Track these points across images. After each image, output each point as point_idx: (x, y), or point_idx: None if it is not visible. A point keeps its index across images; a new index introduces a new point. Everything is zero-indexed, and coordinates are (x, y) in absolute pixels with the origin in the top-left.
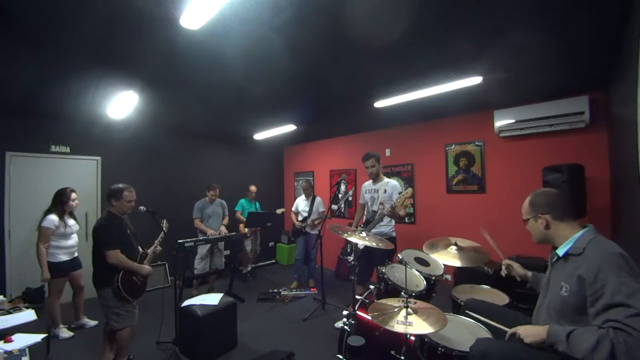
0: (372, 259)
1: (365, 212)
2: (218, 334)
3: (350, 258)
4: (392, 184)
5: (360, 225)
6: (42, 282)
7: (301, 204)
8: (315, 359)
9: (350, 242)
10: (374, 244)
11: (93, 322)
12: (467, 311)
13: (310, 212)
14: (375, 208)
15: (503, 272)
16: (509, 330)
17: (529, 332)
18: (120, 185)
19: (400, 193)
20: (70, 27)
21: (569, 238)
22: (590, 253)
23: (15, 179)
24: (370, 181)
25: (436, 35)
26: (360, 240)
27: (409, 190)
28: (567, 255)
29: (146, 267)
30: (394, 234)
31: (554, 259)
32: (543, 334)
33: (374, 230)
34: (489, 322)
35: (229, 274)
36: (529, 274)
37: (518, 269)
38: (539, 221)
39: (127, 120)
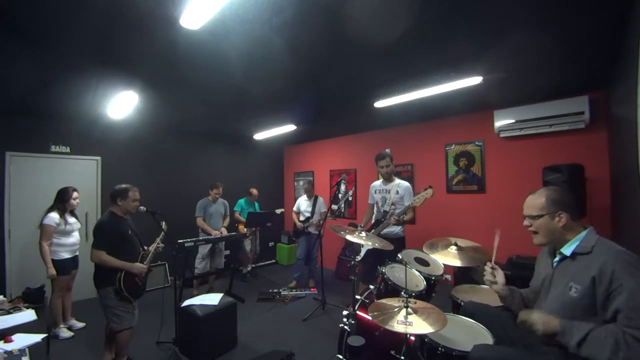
0: (381, 258)
1: (375, 212)
2: (218, 334)
3: (359, 258)
4: (404, 185)
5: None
6: (48, 279)
7: (303, 204)
8: (315, 359)
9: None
10: (377, 244)
11: (80, 324)
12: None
13: (313, 212)
14: (386, 208)
15: (488, 275)
16: (520, 316)
17: (545, 323)
18: (125, 185)
19: (418, 194)
20: (70, 27)
21: (573, 238)
22: (600, 252)
23: (15, 179)
24: (380, 181)
25: (436, 35)
26: (360, 240)
27: (429, 190)
28: (574, 254)
29: (136, 265)
30: (403, 234)
31: (557, 258)
32: (555, 325)
33: (385, 230)
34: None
35: (229, 274)
36: (506, 289)
37: (500, 278)
38: (556, 219)
39: (127, 120)
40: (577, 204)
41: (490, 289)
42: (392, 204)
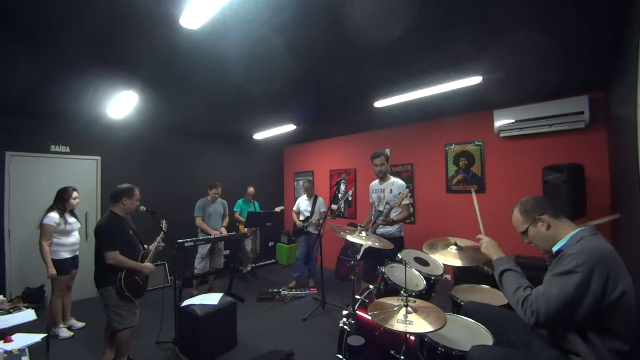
0: (380, 257)
1: (373, 212)
2: (218, 334)
3: (359, 257)
4: (398, 184)
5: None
6: (48, 279)
7: (303, 204)
8: (315, 359)
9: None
10: (377, 244)
11: (80, 324)
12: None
13: (312, 212)
14: (381, 208)
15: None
16: (479, 237)
17: (488, 247)
18: (129, 185)
19: (400, 194)
20: (70, 27)
21: (564, 236)
22: (576, 247)
23: (15, 179)
24: (378, 181)
25: (436, 35)
26: (360, 240)
27: (406, 191)
28: (559, 252)
29: (148, 266)
30: (400, 234)
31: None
32: (494, 256)
33: (380, 231)
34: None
35: (229, 274)
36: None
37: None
38: (539, 224)
39: (127, 120)
40: (555, 203)
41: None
42: (387, 203)
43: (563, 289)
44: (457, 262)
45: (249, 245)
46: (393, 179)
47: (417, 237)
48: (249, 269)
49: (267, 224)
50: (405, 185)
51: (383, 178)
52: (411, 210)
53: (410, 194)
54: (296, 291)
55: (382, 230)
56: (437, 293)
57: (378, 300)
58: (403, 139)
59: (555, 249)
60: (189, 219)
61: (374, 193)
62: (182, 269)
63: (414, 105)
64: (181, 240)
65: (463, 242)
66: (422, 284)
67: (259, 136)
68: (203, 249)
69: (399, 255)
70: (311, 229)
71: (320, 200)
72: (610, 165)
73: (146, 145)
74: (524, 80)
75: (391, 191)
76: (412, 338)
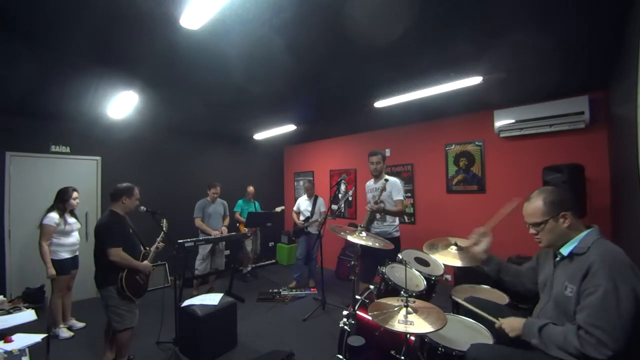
0: (377, 257)
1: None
2: (218, 334)
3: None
4: (391, 181)
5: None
6: (48, 279)
7: (303, 203)
8: (315, 359)
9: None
10: (376, 244)
11: (80, 324)
12: (461, 301)
13: (312, 212)
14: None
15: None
16: (497, 322)
17: (512, 327)
18: (128, 184)
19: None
20: (70, 27)
21: (573, 237)
22: (593, 253)
23: (15, 179)
24: (372, 180)
25: (436, 35)
26: (359, 240)
27: (382, 184)
28: (572, 254)
29: (147, 265)
30: (396, 234)
31: (557, 258)
32: (520, 327)
33: (376, 230)
34: (479, 312)
35: (229, 274)
36: (485, 255)
37: (484, 245)
38: (561, 220)
39: (127, 120)
40: (577, 201)
41: (470, 251)
42: (381, 201)
43: (617, 307)
44: (457, 262)
45: (249, 245)
46: (388, 178)
47: (417, 237)
48: (249, 269)
49: (267, 224)
50: (393, 180)
51: (378, 177)
52: (409, 209)
53: (407, 194)
54: (296, 291)
55: (378, 229)
56: (437, 293)
57: (378, 300)
58: (403, 139)
59: (565, 250)
60: (189, 219)
61: (369, 192)
62: (182, 269)
63: (414, 105)
64: (181, 240)
65: (463, 242)
66: (422, 284)
67: (259, 136)
68: (203, 250)
69: (399, 255)
70: (312, 229)
71: (320, 200)
72: (610, 165)
73: (146, 145)
74: (524, 80)
75: (385, 189)
76: (412, 338)
